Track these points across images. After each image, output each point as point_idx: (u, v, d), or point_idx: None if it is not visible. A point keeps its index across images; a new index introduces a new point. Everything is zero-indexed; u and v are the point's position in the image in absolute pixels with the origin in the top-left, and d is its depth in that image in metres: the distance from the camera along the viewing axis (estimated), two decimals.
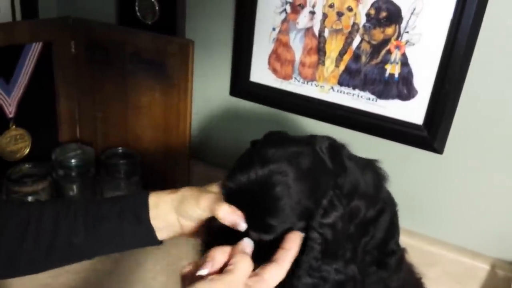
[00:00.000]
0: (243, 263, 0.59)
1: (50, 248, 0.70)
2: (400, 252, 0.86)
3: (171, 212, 0.72)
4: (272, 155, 0.65)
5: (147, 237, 0.73)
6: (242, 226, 0.65)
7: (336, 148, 0.73)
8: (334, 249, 0.70)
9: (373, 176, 0.79)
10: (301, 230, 0.66)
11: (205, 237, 0.71)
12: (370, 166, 0.80)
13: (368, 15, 0.99)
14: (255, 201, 0.64)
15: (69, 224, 0.70)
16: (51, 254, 0.70)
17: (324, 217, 0.67)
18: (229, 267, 0.58)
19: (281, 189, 0.64)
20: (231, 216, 0.65)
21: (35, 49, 1.23)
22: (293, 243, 0.63)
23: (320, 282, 0.69)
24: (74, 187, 1.24)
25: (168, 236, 0.74)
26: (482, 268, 1.05)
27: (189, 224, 0.72)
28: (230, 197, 0.66)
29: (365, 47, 1.02)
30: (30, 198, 1.18)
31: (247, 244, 0.63)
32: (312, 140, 0.72)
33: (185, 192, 0.72)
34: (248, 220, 0.65)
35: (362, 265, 0.76)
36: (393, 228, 0.83)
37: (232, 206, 0.65)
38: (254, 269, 0.61)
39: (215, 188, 0.72)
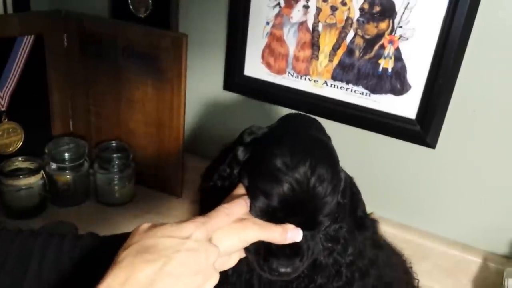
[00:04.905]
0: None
1: None
2: (370, 219, 0.88)
3: None
4: (292, 158, 0.64)
5: None
6: (300, 236, 0.64)
7: (315, 121, 0.75)
8: (338, 213, 0.71)
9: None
10: None
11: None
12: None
13: (361, 9, 0.99)
14: (302, 206, 0.64)
15: (75, 263, 0.65)
16: None
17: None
18: None
19: (320, 184, 0.64)
20: (287, 233, 0.63)
21: (27, 42, 1.22)
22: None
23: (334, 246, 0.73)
24: (68, 180, 1.24)
25: None
26: (474, 261, 1.06)
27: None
28: (273, 213, 0.64)
29: (359, 41, 1.02)
30: (23, 192, 1.18)
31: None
32: (298, 121, 0.74)
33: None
34: (297, 225, 0.64)
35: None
36: (356, 197, 0.84)
37: (280, 224, 0.64)
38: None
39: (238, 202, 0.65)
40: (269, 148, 0.66)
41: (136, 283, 0.50)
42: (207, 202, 0.71)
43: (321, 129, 0.74)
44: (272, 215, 0.64)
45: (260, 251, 0.65)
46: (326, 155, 0.67)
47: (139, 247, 0.53)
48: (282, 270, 0.65)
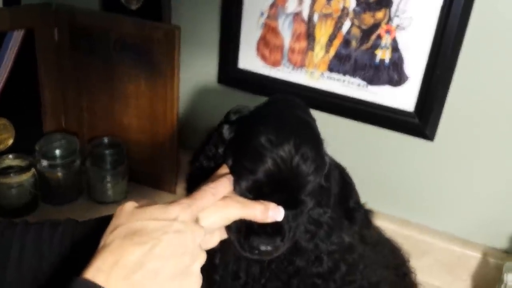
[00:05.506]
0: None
1: (35, 280, 0.63)
2: (364, 210, 0.88)
3: None
4: (277, 135, 0.64)
5: None
6: (282, 215, 0.64)
7: (302, 103, 0.75)
8: (322, 196, 0.71)
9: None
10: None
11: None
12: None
13: None
14: (285, 184, 0.64)
15: (55, 250, 0.64)
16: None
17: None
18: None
19: (304, 163, 0.63)
20: (268, 211, 0.63)
21: (17, 37, 1.20)
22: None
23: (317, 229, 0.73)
24: (59, 177, 1.21)
25: None
26: (474, 256, 1.04)
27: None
28: (258, 189, 0.64)
29: (355, 32, 1.00)
30: (14, 190, 1.16)
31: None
32: (285, 102, 0.73)
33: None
34: (280, 203, 0.64)
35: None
36: (348, 187, 0.84)
37: (262, 201, 0.64)
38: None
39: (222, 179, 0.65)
40: (255, 126, 0.66)
41: (126, 265, 0.50)
42: (193, 183, 0.71)
43: (307, 112, 0.74)
44: (258, 191, 0.64)
45: (242, 229, 0.65)
46: (311, 135, 0.68)
47: (127, 230, 0.53)
48: (263, 248, 0.65)
